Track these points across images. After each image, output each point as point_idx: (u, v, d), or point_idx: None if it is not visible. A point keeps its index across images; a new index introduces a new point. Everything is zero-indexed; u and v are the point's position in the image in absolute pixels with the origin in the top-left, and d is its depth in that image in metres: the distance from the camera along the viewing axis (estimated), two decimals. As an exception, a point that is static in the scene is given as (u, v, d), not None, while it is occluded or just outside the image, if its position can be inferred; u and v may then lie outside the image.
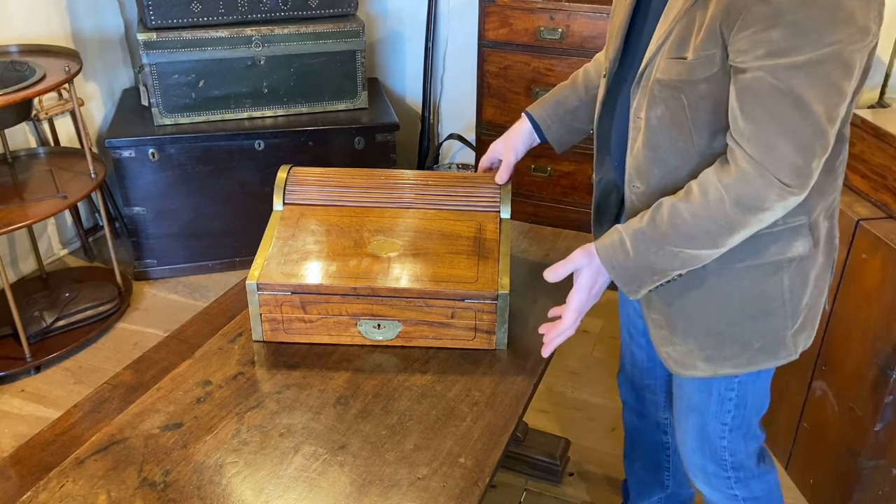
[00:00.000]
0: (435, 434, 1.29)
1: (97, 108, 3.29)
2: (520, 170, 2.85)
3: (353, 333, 1.50)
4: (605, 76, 1.35)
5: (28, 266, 3.09)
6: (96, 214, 3.37)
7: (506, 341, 1.49)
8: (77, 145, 3.00)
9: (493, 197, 1.62)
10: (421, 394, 1.38)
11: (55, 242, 3.25)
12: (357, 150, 3.06)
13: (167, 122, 2.95)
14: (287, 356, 1.48)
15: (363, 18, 3.07)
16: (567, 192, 2.94)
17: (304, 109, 3.10)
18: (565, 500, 2.13)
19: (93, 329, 2.74)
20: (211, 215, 3.04)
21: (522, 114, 1.60)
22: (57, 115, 3.03)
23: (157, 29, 2.82)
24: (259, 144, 2.97)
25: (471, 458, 1.25)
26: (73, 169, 2.76)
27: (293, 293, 1.46)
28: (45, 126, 3.02)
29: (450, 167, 3.70)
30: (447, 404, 1.36)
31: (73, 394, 2.48)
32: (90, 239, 3.31)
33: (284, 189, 1.64)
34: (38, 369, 2.60)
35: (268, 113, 3.06)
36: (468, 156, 3.60)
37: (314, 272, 1.48)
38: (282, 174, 1.65)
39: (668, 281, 1.25)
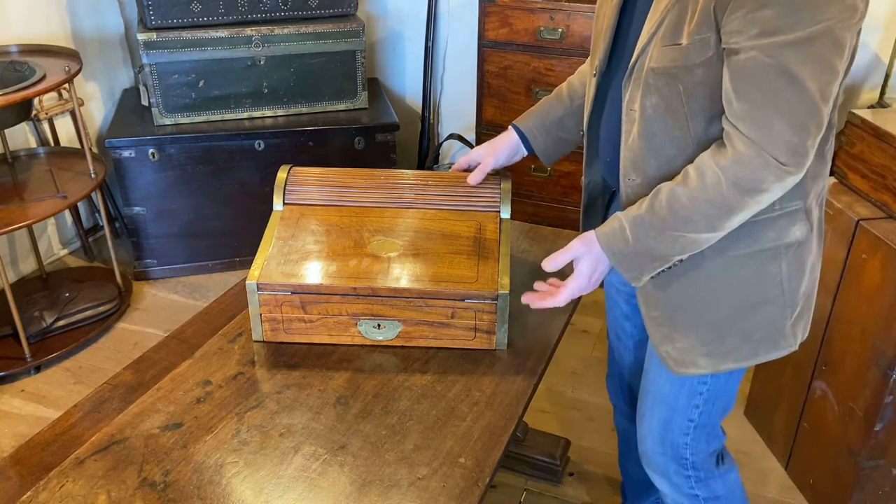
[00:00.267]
0: (435, 434, 1.29)
1: (97, 108, 3.29)
2: (520, 170, 2.87)
3: (353, 333, 1.50)
4: (594, 75, 1.36)
5: (28, 266, 3.09)
6: (96, 214, 3.37)
7: (506, 341, 1.49)
8: (77, 145, 3.00)
9: (493, 197, 1.62)
10: (421, 394, 1.38)
11: (55, 242, 3.25)
12: (357, 150, 3.06)
13: (167, 122, 2.95)
14: (287, 356, 1.48)
15: (363, 18, 3.07)
16: (567, 192, 2.94)
17: (304, 109, 3.10)
18: (565, 500, 2.13)
19: (93, 329, 2.74)
20: (211, 215, 3.04)
21: (509, 126, 1.61)
22: (57, 115, 3.03)
23: (157, 29, 2.82)
24: (259, 144, 2.97)
25: (471, 458, 1.25)
26: (73, 169, 2.76)
27: (293, 293, 1.46)
28: (45, 126, 3.02)
29: (450, 167, 3.68)
30: (447, 404, 1.36)
31: (73, 394, 2.48)
32: (90, 239, 3.31)
33: (284, 189, 1.64)
34: (38, 369, 2.60)
35: (268, 113, 3.06)
36: (468, 156, 3.60)
37: (314, 272, 1.48)
38: (282, 174, 1.65)
39: (669, 267, 1.26)
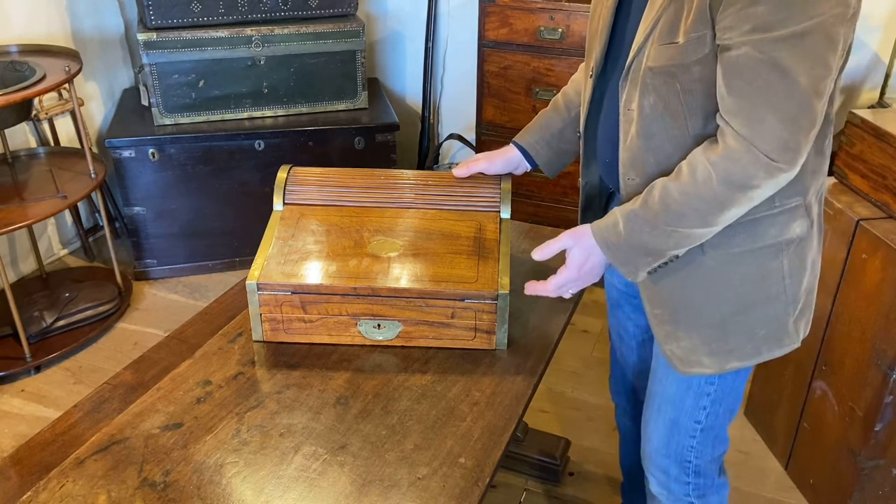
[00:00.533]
0: (435, 434, 1.29)
1: (97, 108, 3.30)
2: (520, 170, 2.87)
3: (353, 333, 1.50)
4: (590, 76, 1.36)
5: (28, 266, 3.09)
6: (96, 214, 3.37)
7: (506, 341, 1.49)
8: (77, 145, 3.00)
9: (493, 197, 1.62)
10: (421, 394, 1.38)
11: (55, 242, 3.25)
12: (357, 150, 3.06)
13: (167, 122, 2.95)
14: (287, 356, 1.48)
15: (363, 18, 3.08)
16: (567, 192, 2.95)
17: (304, 109, 3.10)
18: (565, 500, 2.13)
19: (93, 329, 2.74)
20: (211, 215, 3.04)
21: (511, 143, 1.62)
22: (57, 115, 3.03)
23: (157, 29, 2.82)
24: (259, 144, 2.97)
25: (471, 458, 1.25)
26: (73, 169, 2.76)
27: (293, 293, 1.46)
28: (45, 126, 3.02)
29: (450, 167, 3.70)
30: (447, 404, 1.36)
31: (73, 394, 2.48)
32: (90, 239, 3.31)
33: (284, 189, 1.64)
34: (38, 369, 2.60)
35: (268, 113, 3.06)
36: (468, 156, 3.60)
37: (314, 272, 1.48)
38: (282, 174, 1.65)
39: (666, 262, 1.26)
